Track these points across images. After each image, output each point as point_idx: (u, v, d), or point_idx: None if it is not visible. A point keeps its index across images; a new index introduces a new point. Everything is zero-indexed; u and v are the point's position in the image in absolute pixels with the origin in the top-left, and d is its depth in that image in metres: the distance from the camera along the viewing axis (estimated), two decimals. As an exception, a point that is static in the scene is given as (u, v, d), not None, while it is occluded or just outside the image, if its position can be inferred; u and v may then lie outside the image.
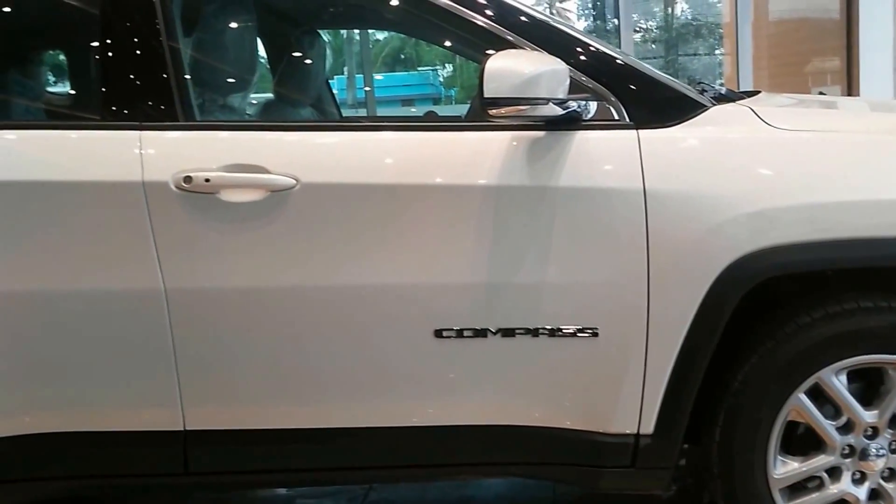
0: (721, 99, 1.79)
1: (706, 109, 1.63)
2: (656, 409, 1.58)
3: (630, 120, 1.58)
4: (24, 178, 1.59)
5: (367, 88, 7.45)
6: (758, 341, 1.60)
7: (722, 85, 2.92)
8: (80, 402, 1.65)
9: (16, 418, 1.65)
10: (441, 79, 12.45)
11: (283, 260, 1.57)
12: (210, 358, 1.62)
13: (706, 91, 1.85)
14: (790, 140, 1.60)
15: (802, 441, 1.64)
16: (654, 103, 1.61)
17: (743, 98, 1.89)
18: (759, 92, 2.11)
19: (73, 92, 2.33)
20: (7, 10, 1.99)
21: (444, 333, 1.58)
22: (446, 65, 12.24)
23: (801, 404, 1.60)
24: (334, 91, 2.76)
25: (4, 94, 2.11)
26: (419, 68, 12.42)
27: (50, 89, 2.48)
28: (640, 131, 1.57)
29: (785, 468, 1.64)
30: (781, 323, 1.60)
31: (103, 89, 1.66)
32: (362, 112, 7.25)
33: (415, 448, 1.67)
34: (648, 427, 1.59)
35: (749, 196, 1.53)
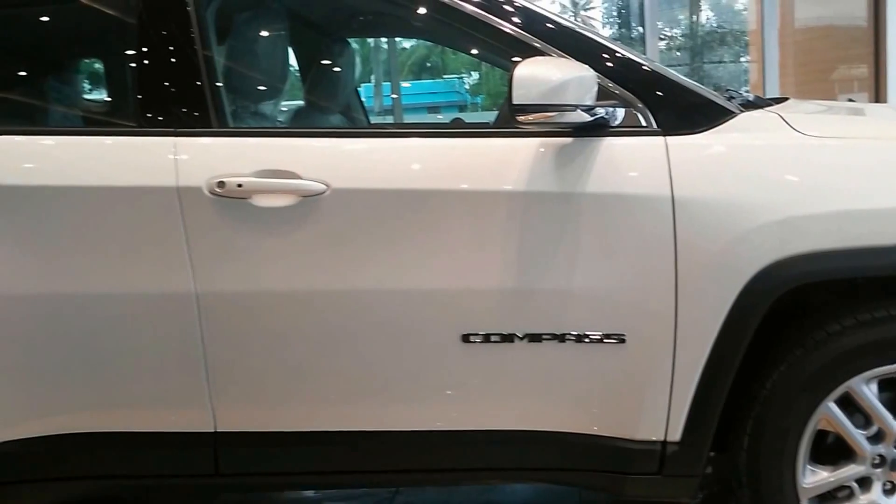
0: (749, 105, 1.76)
1: (734, 116, 1.60)
2: (683, 417, 1.56)
3: (658, 126, 1.57)
4: (61, 182, 1.62)
5: (395, 96, 7.48)
6: (786, 349, 1.57)
7: (748, 92, 2.87)
8: (113, 403, 1.67)
9: (51, 418, 1.67)
10: (466, 86, 12.48)
11: (312, 264, 1.58)
12: (240, 360, 1.63)
13: (734, 98, 1.82)
14: (820, 147, 1.57)
15: (832, 450, 1.60)
16: (682, 110, 1.59)
17: (771, 105, 1.86)
18: (787, 98, 2.08)
19: (109, 99, 2.37)
20: (46, 19, 2.04)
21: (472, 338, 1.58)
22: (471, 73, 12.27)
23: (830, 413, 1.57)
24: (362, 98, 2.77)
25: (43, 102, 2.15)
26: (445, 76, 12.46)
27: (87, 97, 2.53)
28: (667, 138, 1.55)
29: (814, 477, 1.60)
30: (810, 331, 1.57)
31: (139, 96, 1.68)
32: (389, 119, 7.28)
33: (441, 452, 1.66)
34: (675, 434, 1.57)
35: (778, 203, 1.50)
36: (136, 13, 1.69)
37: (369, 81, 7.78)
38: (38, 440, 1.67)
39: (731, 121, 1.59)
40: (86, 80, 2.58)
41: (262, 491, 2.28)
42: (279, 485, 2.00)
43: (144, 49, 1.68)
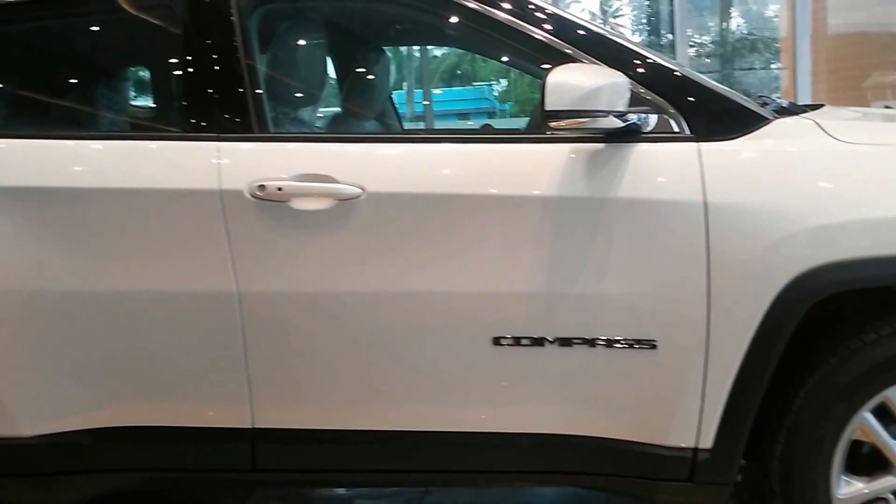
0: (783, 112, 1.73)
1: (768, 122, 1.58)
2: (715, 424, 1.53)
3: (691, 132, 1.55)
4: (110, 185, 1.65)
5: (426, 102, 7.51)
6: (821, 358, 1.54)
7: (779, 99, 2.82)
8: (156, 398, 1.70)
9: (97, 412, 1.70)
10: (495, 93, 12.48)
11: (348, 266, 1.59)
12: (279, 359, 1.65)
13: (767, 104, 1.79)
14: (855, 153, 1.54)
15: (868, 461, 1.56)
16: (715, 116, 1.57)
17: (806, 111, 1.83)
18: (822, 105, 2.03)
19: (155, 105, 2.42)
20: (97, 29, 2.09)
21: (502, 341, 1.57)
22: (500, 80, 12.28)
23: (866, 423, 1.53)
24: (395, 105, 2.79)
25: (93, 108, 2.21)
26: (474, 83, 12.49)
27: (134, 103, 2.59)
28: (700, 144, 1.53)
29: (849, 489, 1.56)
30: (845, 339, 1.53)
31: (184, 103, 1.72)
32: (421, 125, 7.31)
33: (470, 453, 1.65)
34: (707, 441, 1.54)
35: (813, 210, 1.47)
36: (182, 24, 1.73)
37: (401, 89, 7.83)
38: (85, 432, 1.71)
39: (764, 127, 1.56)
40: (133, 88, 2.64)
41: (296, 487, 2.30)
42: (313, 481, 2.02)
43: (189, 58, 1.71)
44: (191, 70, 1.71)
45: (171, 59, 1.94)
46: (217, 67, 1.69)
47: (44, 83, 2.17)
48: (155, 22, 1.89)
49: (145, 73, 2.66)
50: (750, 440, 1.55)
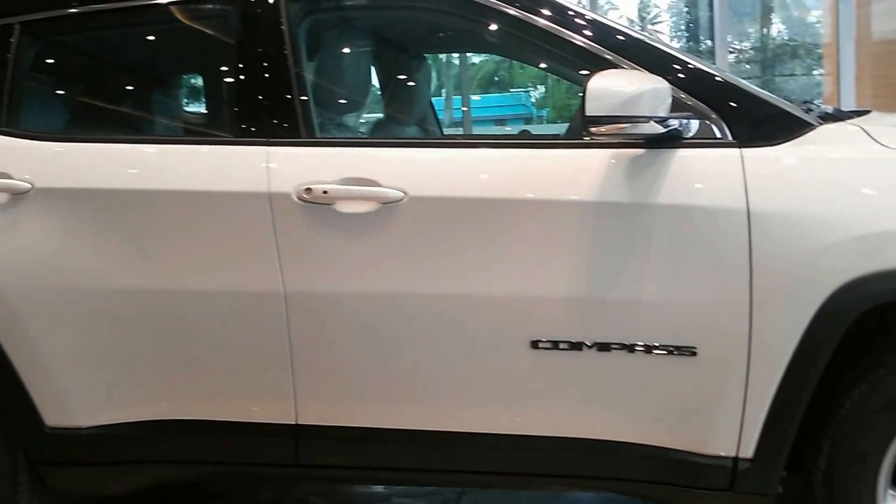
0: (828, 118, 1.68)
1: (813, 128, 1.54)
2: (757, 434, 1.49)
3: (733, 138, 1.52)
4: (163, 187, 1.69)
5: (465, 108, 7.52)
6: (867, 369, 1.49)
7: (822, 104, 2.74)
8: (205, 393, 1.73)
9: (149, 405, 1.74)
10: (532, 100, 12.42)
11: (390, 267, 1.60)
12: (323, 357, 1.67)
13: (812, 110, 1.74)
14: None
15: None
16: (758, 121, 1.53)
17: (852, 117, 1.77)
18: (869, 111, 1.97)
19: (207, 111, 2.48)
20: (152, 38, 2.15)
21: (541, 345, 1.56)
22: (538, 86, 12.21)
23: (914, 436, 1.47)
24: (436, 111, 2.79)
25: (148, 113, 2.27)
26: (512, 90, 12.45)
27: (187, 109, 2.65)
28: (743, 150, 1.50)
29: None
30: (891, 350, 1.48)
31: (235, 109, 1.75)
32: (459, 131, 7.32)
33: (508, 456, 1.64)
34: (748, 451, 1.50)
35: (859, 218, 1.42)
36: (234, 33, 1.76)
37: (441, 95, 7.85)
38: (137, 424, 1.75)
39: (809, 133, 1.52)
40: (186, 95, 2.71)
41: (336, 483, 2.32)
42: (353, 478, 2.03)
43: (241, 66, 1.74)
44: (242, 77, 1.74)
45: (223, 67, 1.98)
46: (267, 75, 1.72)
47: (102, 90, 2.24)
48: (209, 32, 1.94)
49: (197, 81, 2.72)
50: (793, 451, 1.51)
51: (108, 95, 2.22)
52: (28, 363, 1.74)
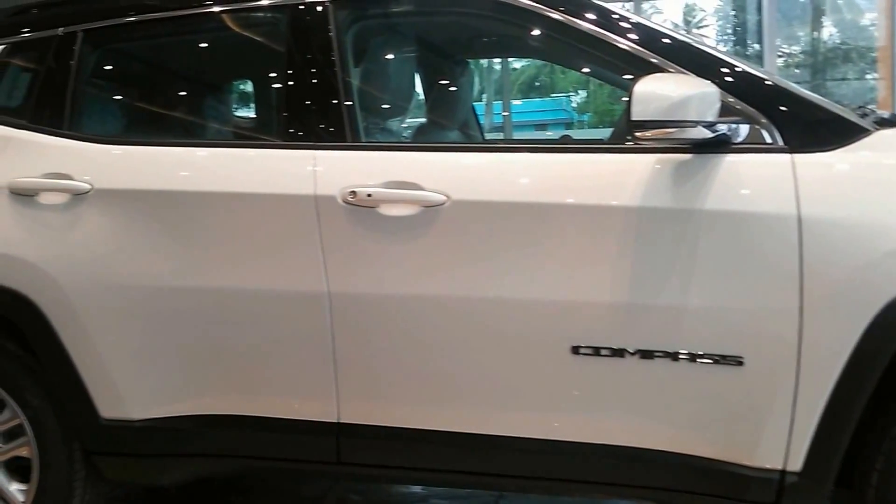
0: (884, 123, 1.62)
1: (868, 134, 1.48)
2: (805, 447, 1.44)
3: (784, 144, 1.48)
4: (213, 189, 1.74)
5: (506, 113, 7.51)
6: (922, 381, 1.43)
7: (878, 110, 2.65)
8: (250, 389, 1.76)
9: (197, 400, 1.79)
10: (574, 105, 12.32)
11: (432, 271, 1.61)
12: (365, 357, 1.68)
13: (867, 115, 1.69)
14: None
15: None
16: (810, 126, 1.49)
17: (909, 123, 1.71)
18: (928, 117, 1.89)
19: (256, 116, 2.53)
20: (205, 46, 2.20)
21: (581, 350, 1.54)
22: (579, 91, 12.11)
23: (971, 453, 1.41)
24: (478, 115, 2.80)
25: (199, 118, 2.33)
26: (552, 95, 12.37)
27: (236, 114, 2.71)
28: (794, 155, 1.46)
29: (951, 521, 1.44)
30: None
31: (284, 114, 1.78)
32: (500, 136, 7.30)
33: (546, 461, 1.63)
34: (796, 464, 1.46)
35: None
36: (284, 40, 1.80)
37: (481, 100, 7.85)
38: (186, 418, 1.79)
39: (864, 139, 1.47)
40: (236, 100, 2.77)
41: (375, 482, 2.33)
42: (392, 477, 2.04)
43: (290, 71, 1.77)
44: (291, 83, 1.77)
45: (272, 73, 2.02)
46: (315, 81, 1.75)
47: (157, 95, 2.31)
48: (260, 39, 1.98)
49: (246, 87, 2.78)
50: (843, 465, 1.46)
51: (162, 100, 2.29)
52: (85, 357, 1.81)
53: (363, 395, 1.70)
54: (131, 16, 1.95)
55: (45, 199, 1.83)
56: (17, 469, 1.95)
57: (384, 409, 1.70)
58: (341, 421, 1.71)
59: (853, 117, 1.53)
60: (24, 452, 1.91)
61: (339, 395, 1.70)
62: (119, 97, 2.27)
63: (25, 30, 2.03)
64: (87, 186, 1.80)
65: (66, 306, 1.79)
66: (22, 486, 1.94)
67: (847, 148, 1.46)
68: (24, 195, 1.84)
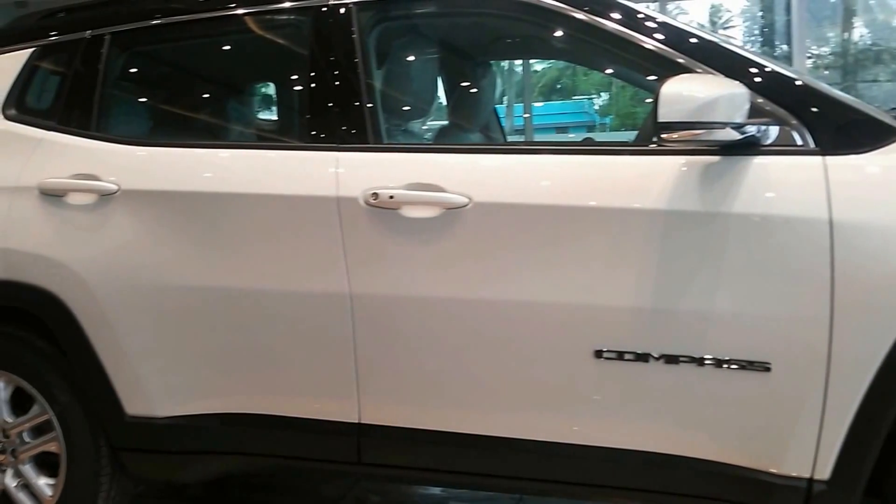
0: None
1: None
2: (834, 455, 1.41)
3: (815, 146, 1.44)
4: (237, 190, 1.75)
5: (527, 115, 7.48)
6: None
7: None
8: (273, 389, 1.77)
9: (221, 398, 1.80)
10: (596, 107, 12.23)
11: (454, 273, 1.60)
12: (386, 358, 1.68)
13: (902, 117, 1.64)
14: None
15: None
16: (842, 128, 1.45)
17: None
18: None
19: (279, 118, 2.54)
20: (229, 48, 2.22)
21: (605, 354, 1.52)
22: (601, 93, 12.02)
23: None
24: (500, 118, 2.78)
25: (222, 120, 2.35)
26: (574, 97, 12.30)
27: (259, 116, 2.73)
28: (826, 157, 1.43)
29: None
30: None
31: (307, 116, 1.79)
32: (522, 138, 7.28)
33: (568, 465, 1.61)
34: (824, 473, 1.42)
35: None
36: (307, 42, 1.80)
37: (503, 102, 7.82)
38: (209, 417, 1.81)
39: None
40: (259, 102, 2.79)
41: (397, 483, 2.33)
42: (413, 479, 2.03)
43: (313, 74, 1.78)
44: (314, 85, 1.78)
45: (296, 75, 2.03)
46: (338, 83, 1.75)
47: (182, 97, 2.33)
48: (283, 42, 1.99)
49: (269, 89, 2.80)
50: (874, 474, 1.42)
51: (186, 102, 2.31)
52: (112, 355, 1.83)
53: (384, 396, 1.70)
54: (157, 19, 1.97)
55: (73, 199, 1.86)
56: (45, 464, 1.98)
57: (405, 410, 1.69)
58: (362, 422, 1.71)
59: (888, 119, 1.50)
60: (52, 448, 1.94)
61: (360, 395, 1.70)
62: (145, 99, 2.30)
63: (54, 33, 2.06)
64: (114, 187, 1.82)
65: (92, 304, 1.82)
66: (50, 481, 1.97)
67: (880, 150, 1.43)
68: (53, 195, 1.87)
